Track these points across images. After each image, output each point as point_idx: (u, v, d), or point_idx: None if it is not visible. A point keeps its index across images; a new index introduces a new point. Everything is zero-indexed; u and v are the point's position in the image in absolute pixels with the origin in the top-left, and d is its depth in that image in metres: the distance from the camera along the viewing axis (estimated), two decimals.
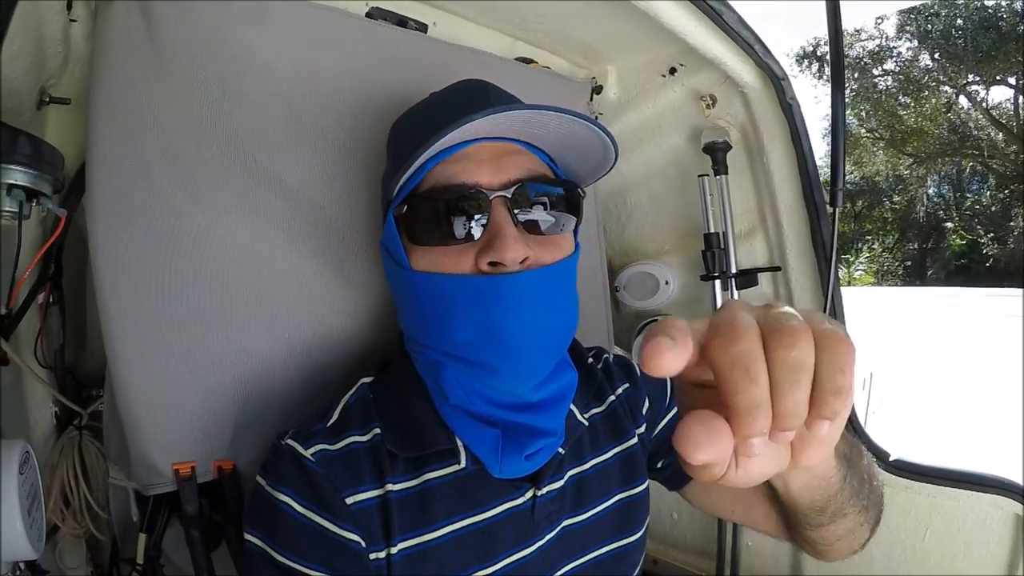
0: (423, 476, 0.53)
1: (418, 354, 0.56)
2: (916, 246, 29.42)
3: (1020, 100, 21.37)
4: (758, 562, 1.05)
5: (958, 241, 27.13)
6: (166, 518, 0.68)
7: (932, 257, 29.45)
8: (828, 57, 0.92)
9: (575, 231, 0.57)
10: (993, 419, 5.17)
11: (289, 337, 0.68)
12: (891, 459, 0.90)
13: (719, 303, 1.04)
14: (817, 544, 0.55)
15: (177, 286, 0.61)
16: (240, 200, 0.65)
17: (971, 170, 24.31)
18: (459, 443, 0.54)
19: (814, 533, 0.52)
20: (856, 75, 20.90)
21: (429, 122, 0.51)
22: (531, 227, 0.51)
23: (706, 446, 0.25)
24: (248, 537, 0.50)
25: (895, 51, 21.11)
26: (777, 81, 0.89)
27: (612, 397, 0.66)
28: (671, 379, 0.30)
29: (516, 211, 0.50)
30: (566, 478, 0.58)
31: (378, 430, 0.54)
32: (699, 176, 1.01)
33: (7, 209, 0.56)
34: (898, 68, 21.36)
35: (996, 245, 24.84)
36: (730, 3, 0.80)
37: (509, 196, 0.50)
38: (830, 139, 0.89)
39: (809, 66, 21.88)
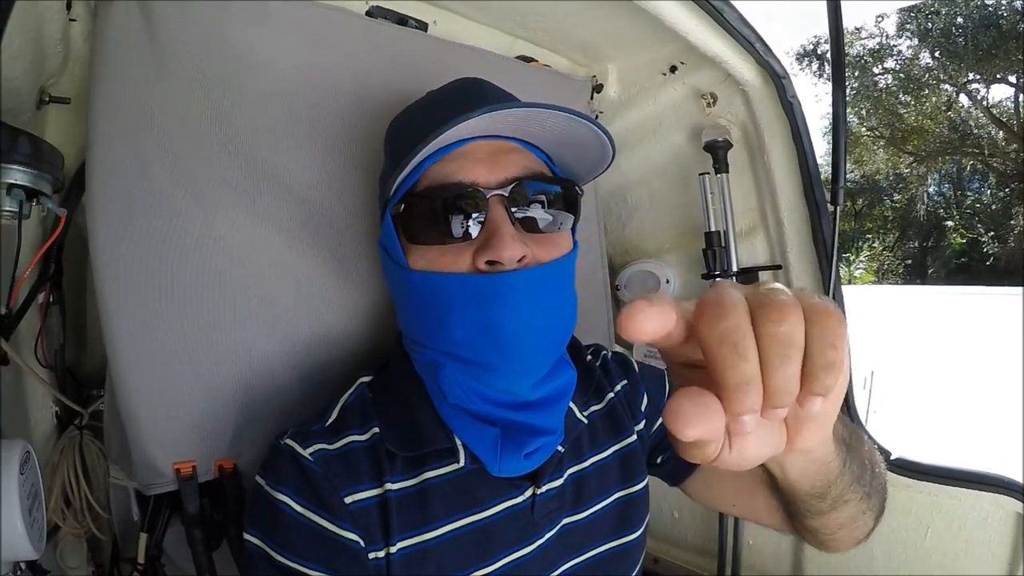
0: (422, 475, 0.53)
1: (417, 353, 0.56)
2: (916, 244, 29.37)
3: (1020, 98, 21.35)
4: (759, 561, 1.05)
5: (958, 240, 27.07)
6: (167, 517, 0.68)
7: (932, 255, 29.39)
8: (829, 55, 0.92)
9: (573, 229, 0.57)
10: (993, 419, 5.16)
11: (289, 336, 0.68)
12: (892, 458, 0.90)
13: None
14: (819, 533, 0.54)
15: (178, 286, 0.61)
16: (240, 199, 0.65)
17: (971, 168, 24.27)
18: (458, 442, 0.54)
19: (815, 521, 0.51)
20: (856, 73, 20.86)
21: (426, 121, 0.51)
22: (529, 225, 0.51)
23: (695, 421, 0.24)
24: (248, 537, 0.50)
25: (895, 49, 21.11)
26: (778, 79, 0.89)
27: (611, 394, 0.66)
28: (665, 366, 0.29)
29: (513, 209, 0.50)
30: (565, 476, 0.58)
31: (377, 429, 0.54)
32: (700, 174, 1.01)
33: (7, 209, 0.56)
34: (898, 66, 21.33)
35: (996, 244, 24.81)
36: (731, 1, 0.80)
37: (506, 194, 0.50)
38: (831, 137, 0.89)
39: (809, 64, 21.87)
